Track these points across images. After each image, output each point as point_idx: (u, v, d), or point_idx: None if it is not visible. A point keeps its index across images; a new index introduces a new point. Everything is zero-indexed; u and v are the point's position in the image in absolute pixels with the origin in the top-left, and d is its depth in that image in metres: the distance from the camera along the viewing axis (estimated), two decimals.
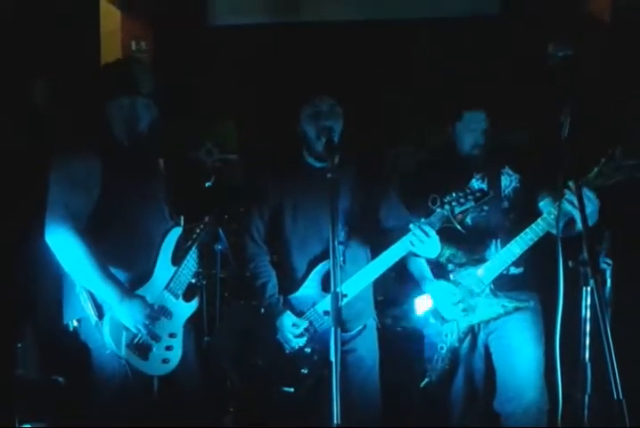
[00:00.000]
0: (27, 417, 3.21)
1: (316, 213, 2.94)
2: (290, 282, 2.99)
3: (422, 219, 2.82)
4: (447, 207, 2.78)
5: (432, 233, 2.78)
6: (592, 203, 2.70)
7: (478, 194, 2.78)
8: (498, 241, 3.00)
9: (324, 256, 2.91)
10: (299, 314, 2.94)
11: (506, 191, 3.08)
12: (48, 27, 3.73)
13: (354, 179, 2.99)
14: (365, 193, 3.00)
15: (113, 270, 2.64)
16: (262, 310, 2.98)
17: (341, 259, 2.78)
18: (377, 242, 3.01)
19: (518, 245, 2.90)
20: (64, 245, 2.57)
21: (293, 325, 2.91)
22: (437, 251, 2.87)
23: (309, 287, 2.95)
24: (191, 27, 4.48)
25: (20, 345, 3.29)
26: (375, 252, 2.94)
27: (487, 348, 3.08)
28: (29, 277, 3.24)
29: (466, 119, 3.06)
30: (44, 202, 2.61)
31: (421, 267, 3.08)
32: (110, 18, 4.33)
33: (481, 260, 2.98)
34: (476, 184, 3.05)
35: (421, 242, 2.78)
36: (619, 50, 3.84)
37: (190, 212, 3.20)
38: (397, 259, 2.88)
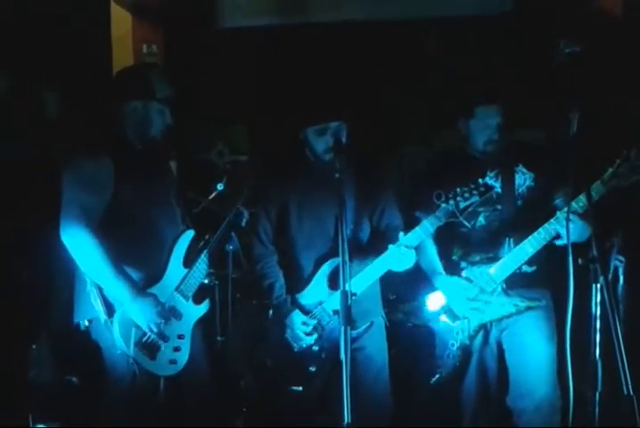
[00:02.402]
0: (41, 417, 3.23)
1: (321, 212, 2.97)
2: (297, 280, 3.02)
3: (422, 217, 2.84)
4: (451, 202, 2.79)
5: (408, 251, 2.84)
6: (578, 231, 2.68)
7: (482, 189, 2.79)
8: (511, 240, 2.98)
9: (329, 254, 2.95)
10: (307, 312, 2.97)
11: (520, 189, 3.06)
12: (59, 31, 3.76)
13: (356, 178, 3.01)
14: (364, 193, 3.03)
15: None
16: (270, 311, 3.00)
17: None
18: (375, 241, 3.03)
19: (531, 245, 2.89)
20: (79, 243, 2.60)
21: (303, 323, 2.94)
22: (410, 264, 2.92)
23: (316, 286, 2.97)
24: (201, 29, 4.50)
25: (34, 346, 3.32)
26: (375, 250, 2.95)
27: (499, 344, 3.08)
28: (42, 278, 3.27)
29: (479, 114, 3.03)
30: (58, 203, 2.64)
31: (432, 263, 3.09)
32: (121, 22, 4.35)
33: (494, 259, 2.98)
34: (490, 182, 3.04)
35: (397, 262, 2.87)
36: (632, 48, 3.81)
37: (203, 214, 3.22)
38: (379, 275, 2.92)
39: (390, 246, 2.85)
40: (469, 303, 2.98)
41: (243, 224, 3.03)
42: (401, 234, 2.86)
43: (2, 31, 3.44)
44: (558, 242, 2.85)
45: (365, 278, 2.91)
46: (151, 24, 4.46)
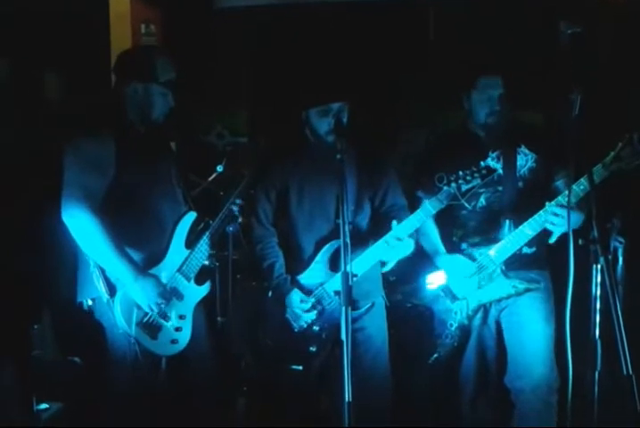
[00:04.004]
0: (44, 397, 3.26)
1: (322, 193, 2.98)
2: (297, 262, 3.03)
3: (426, 200, 2.84)
4: (453, 185, 2.79)
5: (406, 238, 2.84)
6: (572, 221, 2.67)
7: (484, 172, 2.78)
8: (512, 221, 2.98)
9: (330, 236, 2.96)
10: (308, 292, 2.98)
11: (522, 171, 3.05)
12: (58, 10, 3.75)
13: (357, 160, 3.01)
14: (366, 174, 3.03)
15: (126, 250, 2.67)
16: (270, 291, 3.02)
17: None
18: (379, 221, 3.03)
19: (531, 227, 2.89)
20: (81, 224, 2.61)
21: (302, 300, 2.95)
22: (409, 251, 2.93)
23: (317, 267, 2.98)
24: (200, 9, 4.47)
25: (36, 326, 3.34)
26: (378, 232, 2.95)
27: (498, 324, 3.10)
28: (45, 258, 3.28)
29: (482, 84, 3.01)
30: (59, 183, 2.64)
31: (434, 242, 3.09)
32: (120, 1, 4.32)
33: (494, 240, 2.98)
34: (491, 163, 3.03)
35: (393, 248, 2.87)
36: (635, 31, 3.79)
37: (202, 196, 3.23)
38: (377, 259, 2.92)
39: (380, 240, 2.86)
40: (469, 282, 2.99)
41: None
42: (394, 223, 2.86)
43: (0, 13, 3.43)
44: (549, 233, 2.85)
45: (366, 260, 2.92)
46: (149, 4, 4.43)
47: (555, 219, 2.81)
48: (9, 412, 3.06)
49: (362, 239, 2.97)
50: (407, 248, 2.91)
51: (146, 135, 2.78)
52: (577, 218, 2.71)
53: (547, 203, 2.84)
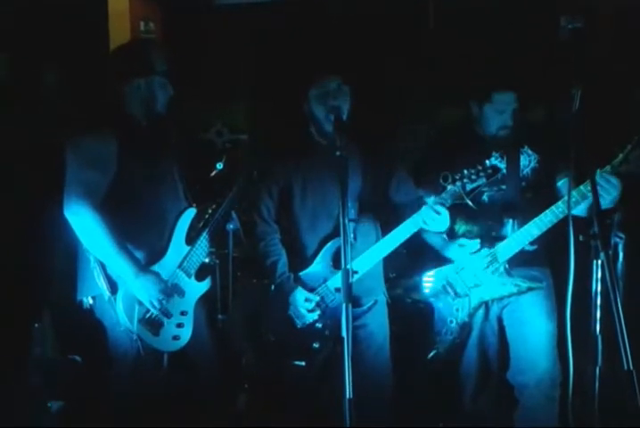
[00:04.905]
0: (45, 396, 3.26)
1: (325, 191, 2.96)
2: (300, 259, 3.01)
3: (433, 198, 2.83)
4: (458, 183, 2.78)
5: (443, 210, 2.80)
6: (615, 189, 2.68)
7: (489, 171, 2.77)
8: (515, 220, 2.98)
9: (333, 233, 2.94)
10: (311, 290, 2.98)
11: (525, 170, 3.05)
12: (56, 8, 3.74)
13: (361, 156, 2.99)
14: (373, 170, 3.01)
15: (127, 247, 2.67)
16: (272, 288, 3.01)
17: (352, 236, 2.79)
18: (387, 218, 3.03)
19: (537, 226, 2.87)
20: (82, 221, 2.62)
21: (306, 299, 2.94)
22: (446, 225, 2.87)
23: (320, 264, 2.97)
24: (198, 5, 4.47)
25: (36, 325, 3.34)
26: (385, 228, 2.96)
27: (500, 320, 3.11)
28: (46, 256, 3.29)
29: (497, 100, 3.00)
30: (60, 180, 2.65)
31: (441, 236, 3.07)
32: None
33: (497, 239, 2.98)
34: (495, 162, 3.02)
35: (432, 220, 2.82)
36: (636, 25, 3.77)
37: (203, 193, 3.23)
38: (408, 235, 2.89)
39: (424, 207, 2.82)
40: (471, 279, 2.98)
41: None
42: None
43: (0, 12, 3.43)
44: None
45: (393, 240, 2.88)
46: (148, 1, 4.42)
47: (600, 189, 2.68)
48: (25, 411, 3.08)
49: (368, 235, 2.97)
50: (445, 220, 2.84)
51: (147, 131, 2.78)
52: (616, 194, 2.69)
53: (599, 171, 2.73)
